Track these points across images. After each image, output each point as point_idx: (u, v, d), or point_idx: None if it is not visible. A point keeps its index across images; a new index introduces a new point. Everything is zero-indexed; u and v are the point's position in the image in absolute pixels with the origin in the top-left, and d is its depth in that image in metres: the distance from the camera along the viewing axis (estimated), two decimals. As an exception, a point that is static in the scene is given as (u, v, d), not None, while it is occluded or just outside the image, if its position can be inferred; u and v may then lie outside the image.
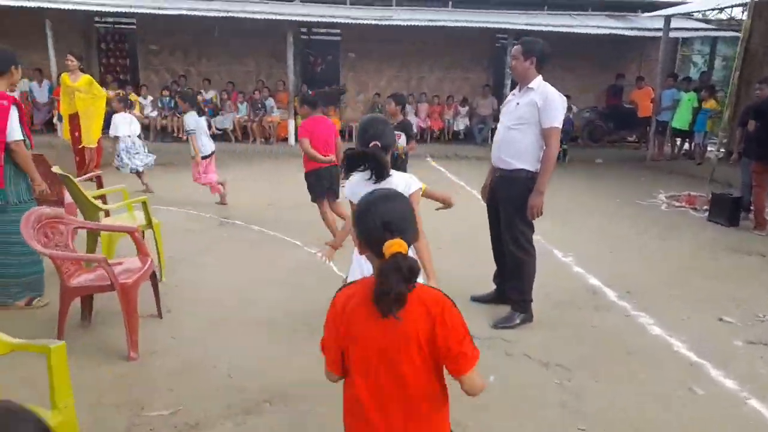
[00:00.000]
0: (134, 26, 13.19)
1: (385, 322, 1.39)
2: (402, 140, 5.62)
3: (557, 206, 7.61)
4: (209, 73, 13.30)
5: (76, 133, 7.66)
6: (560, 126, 3.40)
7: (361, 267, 2.40)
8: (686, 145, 11.91)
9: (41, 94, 11.93)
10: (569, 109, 9.45)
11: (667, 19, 10.89)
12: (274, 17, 11.19)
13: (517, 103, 3.51)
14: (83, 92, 7.46)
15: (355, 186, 2.38)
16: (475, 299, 4.08)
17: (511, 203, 3.57)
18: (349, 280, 2.18)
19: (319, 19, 11.68)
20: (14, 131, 3.36)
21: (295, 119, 12.39)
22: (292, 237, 5.60)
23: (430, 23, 11.58)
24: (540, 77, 3.48)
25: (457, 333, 1.44)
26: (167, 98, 12.09)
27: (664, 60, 11.38)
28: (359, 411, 1.48)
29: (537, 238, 3.77)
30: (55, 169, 4.27)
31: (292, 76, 11.92)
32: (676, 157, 11.48)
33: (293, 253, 5.16)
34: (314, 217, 5.40)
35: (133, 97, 11.94)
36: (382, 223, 1.43)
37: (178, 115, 11.86)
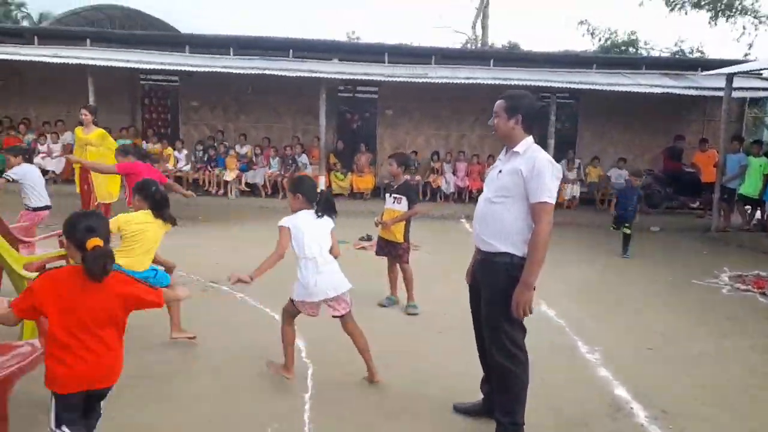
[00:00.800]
0: (177, 83, 13.50)
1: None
2: (403, 204, 4.98)
3: (589, 282, 6.65)
4: (247, 128, 13.33)
5: (86, 186, 7.53)
6: (552, 200, 2.62)
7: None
8: (757, 215, 10.55)
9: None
10: (638, 177, 8.36)
11: (729, 77, 9.86)
12: (308, 74, 11.06)
13: (500, 171, 2.78)
14: (95, 145, 7.36)
15: (299, 219, 3.50)
16: (459, 410, 3.24)
17: (492, 296, 2.78)
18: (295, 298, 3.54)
19: (355, 77, 11.46)
20: None
21: (328, 176, 12.08)
22: (271, 306, 4.96)
23: (467, 81, 11.09)
24: (529, 139, 2.76)
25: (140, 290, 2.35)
26: (200, 152, 12.08)
27: (727, 121, 10.26)
28: (66, 349, 2.16)
29: (559, 323, 2.96)
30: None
31: (323, 132, 11.65)
32: (745, 229, 10.12)
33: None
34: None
35: (167, 151, 12.06)
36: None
37: (210, 170, 11.81)
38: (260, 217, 10.04)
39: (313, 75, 10.98)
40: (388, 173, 5.24)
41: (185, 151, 12.15)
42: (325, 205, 3.55)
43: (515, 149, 2.73)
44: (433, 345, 4.40)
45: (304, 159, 12.08)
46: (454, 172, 12.43)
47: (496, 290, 2.73)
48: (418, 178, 12.44)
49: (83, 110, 7.33)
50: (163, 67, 11.38)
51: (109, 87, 12.64)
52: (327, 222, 3.58)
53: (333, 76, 11.15)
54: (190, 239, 7.85)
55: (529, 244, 2.65)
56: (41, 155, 11.70)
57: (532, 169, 2.62)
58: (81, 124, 7.47)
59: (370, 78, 11.54)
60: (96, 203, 7.45)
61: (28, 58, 11.12)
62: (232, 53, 12.42)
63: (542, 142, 12.29)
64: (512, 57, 14.51)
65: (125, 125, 12.91)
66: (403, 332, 4.67)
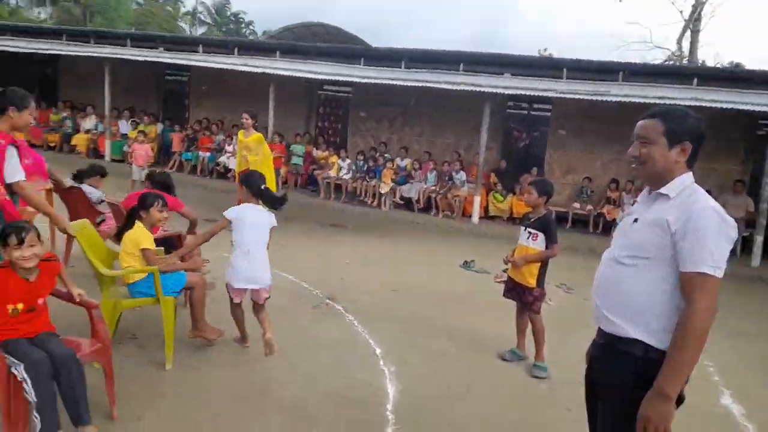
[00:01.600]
0: (349, 94, 13.94)
1: None
2: (539, 241, 4.16)
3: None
4: (409, 141, 13.22)
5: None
6: (718, 273, 1.70)
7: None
8: None
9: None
10: None
11: None
12: (470, 88, 10.48)
13: (636, 220, 1.92)
14: (251, 149, 7.69)
15: (245, 210, 3.80)
16: None
17: (611, 398, 1.93)
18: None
19: (519, 91, 10.57)
20: (14, 173, 3.10)
21: (486, 196, 11.37)
22: (375, 338, 4.49)
23: (658, 101, 9.47)
24: (687, 177, 1.86)
25: None
26: (361, 162, 12.24)
27: None
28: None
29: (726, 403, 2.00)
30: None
31: (483, 149, 10.96)
32: None
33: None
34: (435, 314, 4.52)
35: (333, 158, 12.44)
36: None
37: (367, 180, 11.89)
38: (409, 233, 9.75)
39: (475, 89, 10.37)
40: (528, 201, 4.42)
41: (348, 160, 12.41)
42: (268, 201, 3.91)
43: (664, 190, 1.86)
44: (560, 422, 3.52)
45: (461, 176, 11.51)
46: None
47: (617, 393, 1.88)
48: (589, 207, 11.07)
49: (244, 114, 7.69)
50: (331, 77, 11.75)
51: (289, 95, 13.53)
52: (269, 217, 3.86)
53: (495, 90, 10.40)
54: (327, 247, 7.83)
55: (675, 334, 1.75)
56: (227, 154, 12.91)
57: (687, 220, 1.74)
58: (242, 127, 7.86)
59: (539, 94, 10.54)
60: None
61: (225, 66, 12.38)
62: (403, 66, 12.39)
63: (757, 179, 10.30)
64: (722, 75, 12.19)
65: (300, 132, 13.71)
66: (522, 401, 3.83)
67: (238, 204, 4.18)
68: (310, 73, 11.60)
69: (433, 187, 11.58)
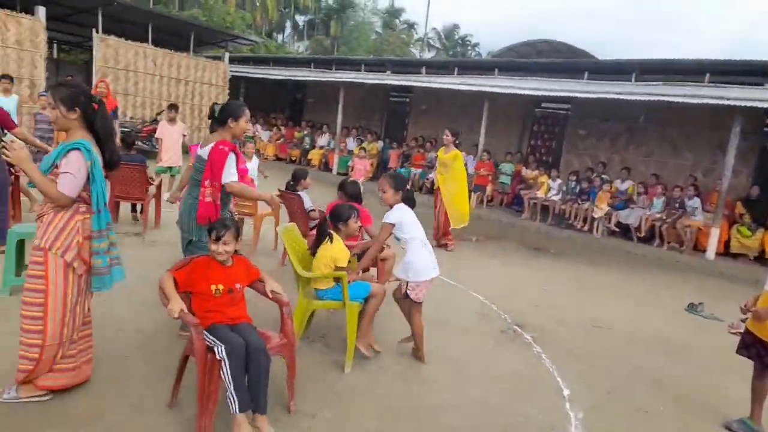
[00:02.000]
0: (567, 111, 13.14)
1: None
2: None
3: None
4: (634, 162, 11.91)
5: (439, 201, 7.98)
6: None
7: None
8: None
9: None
10: None
11: None
12: (718, 102, 8.94)
13: None
14: (446, 165, 7.71)
15: (402, 211, 3.97)
16: None
17: None
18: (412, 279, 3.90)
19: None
20: (229, 175, 3.58)
21: (728, 229, 9.59)
22: (564, 376, 4.02)
23: None
24: None
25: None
26: (573, 183, 11.40)
27: None
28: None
29: None
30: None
31: (729, 174, 9.24)
32: None
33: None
34: (644, 361, 4.08)
35: (542, 178, 11.86)
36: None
37: (579, 203, 11.02)
38: (624, 264, 8.72)
39: (724, 102, 8.79)
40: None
41: (559, 180, 11.68)
42: (409, 201, 4.06)
43: None
44: None
45: (695, 203, 9.88)
46: None
47: None
48: None
49: (446, 131, 7.75)
50: (549, 93, 11.19)
51: (504, 113, 13.36)
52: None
53: (750, 104, 8.65)
54: (525, 270, 7.42)
55: None
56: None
57: None
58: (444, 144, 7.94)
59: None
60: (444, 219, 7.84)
61: (444, 86, 12.80)
62: (633, 79, 11.23)
63: None
64: None
65: (511, 150, 13.41)
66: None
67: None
68: (526, 89, 11.24)
69: (659, 215, 10.17)
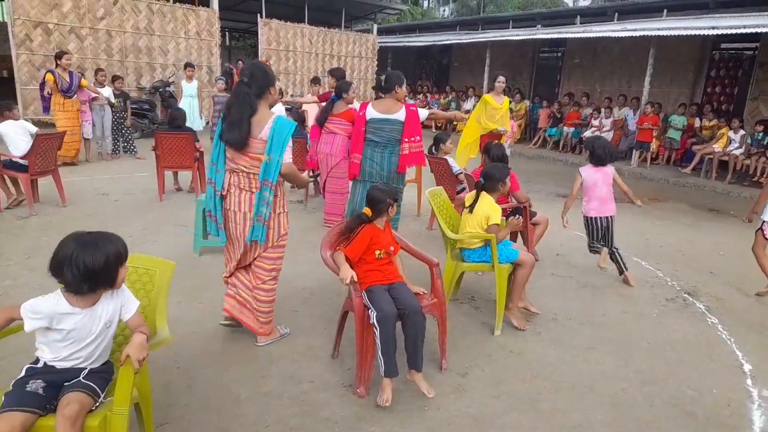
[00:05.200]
0: (754, 51, 11.26)
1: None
2: None
3: None
4: None
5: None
6: None
7: None
8: None
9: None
10: None
11: None
12: None
13: None
14: (502, 114, 7.10)
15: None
16: None
17: None
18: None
19: None
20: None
21: None
22: (745, 350, 3.59)
23: None
24: None
25: None
26: (761, 134, 9.83)
27: None
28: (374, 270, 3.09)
29: None
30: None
31: None
32: None
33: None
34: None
35: (723, 130, 10.42)
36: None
37: (767, 157, 9.51)
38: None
39: None
40: None
41: (742, 132, 10.14)
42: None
43: None
44: None
45: None
46: None
47: None
48: None
49: (500, 77, 7.08)
50: (733, 31, 9.66)
51: (672, 60, 11.93)
52: None
53: None
54: (697, 234, 6.66)
55: None
56: (592, 128, 12.33)
57: None
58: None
59: None
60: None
61: (602, 34, 11.74)
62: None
63: None
64: None
65: (684, 101, 11.95)
66: None
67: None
68: (704, 30, 9.80)
69: None
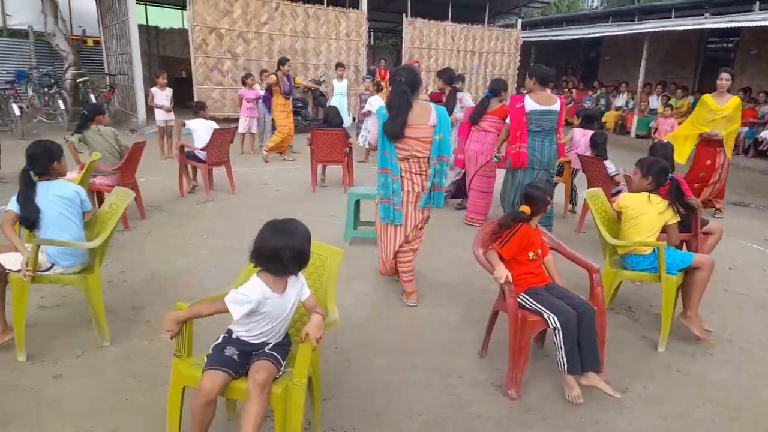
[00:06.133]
0: None
1: None
2: None
3: None
4: None
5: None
6: None
7: None
8: None
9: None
10: None
11: None
12: None
13: None
14: (725, 116, 6.20)
15: None
16: None
17: None
18: None
19: None
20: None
21: None
22: None
23: None
24: None
25: None
26: None
27: None
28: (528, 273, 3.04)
29: None
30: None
31: None
32: None
33: None
34: None
35: None
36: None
37: None
38: None
39: None
40: None
41: None
42: None
43: None
44: None
45: None
46: None
47: None
48: None
49: (724, 73, 6.23)
50: None
51: None
52: None
53: None
54: None
55: None
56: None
57: None
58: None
59: None
60: None
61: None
62: None
63: None
64: None
65: None
66: None
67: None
68: None
69: None
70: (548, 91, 5.23)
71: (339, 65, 11.17)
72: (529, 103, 4.99)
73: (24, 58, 14.72)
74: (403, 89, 3.57)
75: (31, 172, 3.05)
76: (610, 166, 5.48)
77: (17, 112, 10.48)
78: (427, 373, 3.07)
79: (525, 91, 5.29)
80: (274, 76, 8.93)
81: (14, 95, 11.23)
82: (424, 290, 4.18)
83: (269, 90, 9.20)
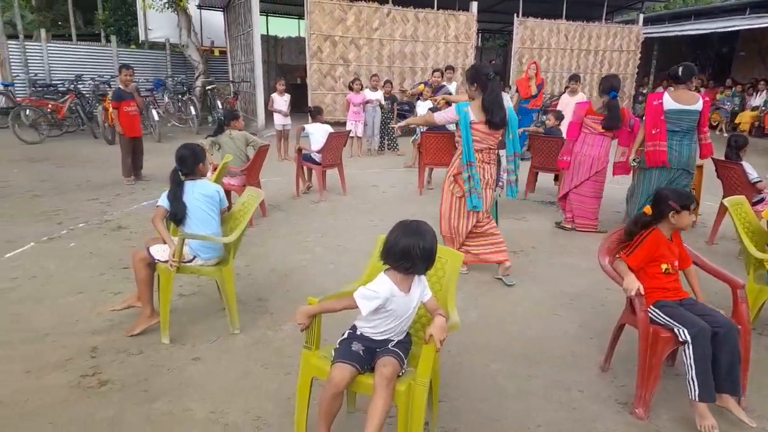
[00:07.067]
0: None
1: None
2: None
3: None
4: None
5: None
6: None
7: None
8: None
9: None
10: None
11: None
12: None
13: None
14: None
15: None
16: None
17: None
18: None
19: None
20: None
21: None
22: None
23: None
24: None
25: None
26: None
27: None
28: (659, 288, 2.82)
29: None
30: None
31: None
32: None
33: None
34: None
35: None
36: None
37: None
38: None
39: None
40: None
41: None
42: None
43: None
44: None
45: None
46: None
47: None
48: None
49: None
50: None
51: None
52: None
53: None
54: None
55: None
56: None
57: None
58: None
59: None
60: None
61: None
62: None
63: None
64: None
65: None
66: None
67: None
68: None
69: None
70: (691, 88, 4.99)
71: (449, 68, 11.14)
72: (668, 102, 4.86)
73: (161, 68, 16.34)
74: (497, 83, 4.03)
75: (180, 172, 3.37)
76: (752, 172, 4.98)
77: (156, 117, 11.65)
78: (545, 383, 2.98)
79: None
80: (423, 85, 9.26)
81: (153, 102, 12.49)
82: (539, 297, 4.06)
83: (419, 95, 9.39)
